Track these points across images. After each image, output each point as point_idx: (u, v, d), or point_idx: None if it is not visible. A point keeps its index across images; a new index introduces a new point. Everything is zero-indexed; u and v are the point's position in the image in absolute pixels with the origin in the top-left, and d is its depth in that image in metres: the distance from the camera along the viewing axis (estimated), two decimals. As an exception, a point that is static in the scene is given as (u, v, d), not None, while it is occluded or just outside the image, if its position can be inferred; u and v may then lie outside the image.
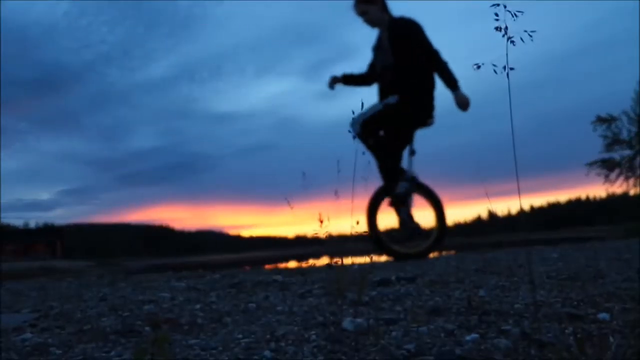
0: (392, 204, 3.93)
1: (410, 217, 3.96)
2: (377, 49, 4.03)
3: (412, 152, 3.93)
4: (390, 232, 3.94)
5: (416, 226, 3.93)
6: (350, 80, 4.20)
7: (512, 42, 0.92)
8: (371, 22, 3.91)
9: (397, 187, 3.86)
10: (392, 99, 3.77)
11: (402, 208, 3.94)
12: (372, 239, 3.83)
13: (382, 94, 3.96)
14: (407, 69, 3.79)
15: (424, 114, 3.85)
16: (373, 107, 3.80)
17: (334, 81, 4.13)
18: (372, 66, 4.15)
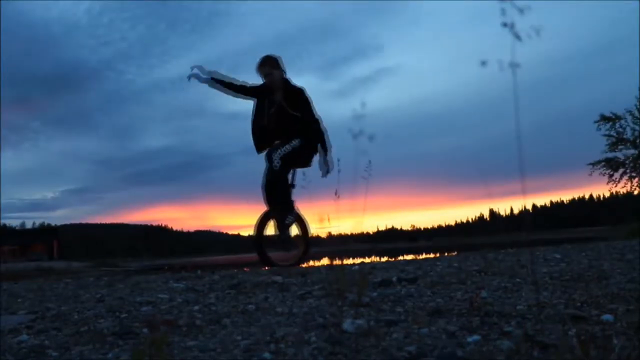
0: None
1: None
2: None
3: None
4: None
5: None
6: (221, 82, 4.59)
7: (519, 38, 0.90)
8: (273, 84, 4.50)
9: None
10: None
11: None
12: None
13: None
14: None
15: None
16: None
17: (196, 76, 4.50)
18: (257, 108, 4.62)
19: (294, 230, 4.67)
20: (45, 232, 64.54)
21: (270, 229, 4.57)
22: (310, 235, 4.71)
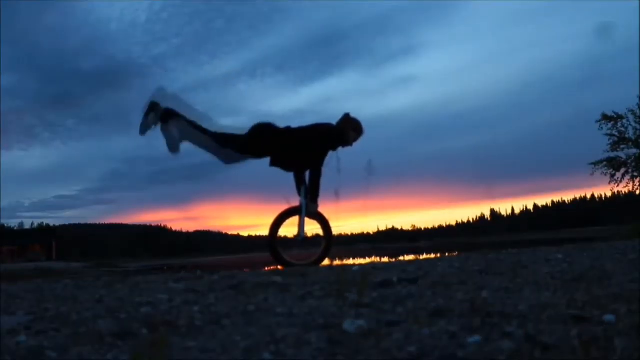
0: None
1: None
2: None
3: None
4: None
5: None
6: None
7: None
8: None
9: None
10: None
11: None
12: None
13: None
14: None
15: None
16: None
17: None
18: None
19: (315, 229, 4.68)
20: (44, 233, 64.44)
21: (284, 230, 4.60)
22: (332, 234, 4.68)
